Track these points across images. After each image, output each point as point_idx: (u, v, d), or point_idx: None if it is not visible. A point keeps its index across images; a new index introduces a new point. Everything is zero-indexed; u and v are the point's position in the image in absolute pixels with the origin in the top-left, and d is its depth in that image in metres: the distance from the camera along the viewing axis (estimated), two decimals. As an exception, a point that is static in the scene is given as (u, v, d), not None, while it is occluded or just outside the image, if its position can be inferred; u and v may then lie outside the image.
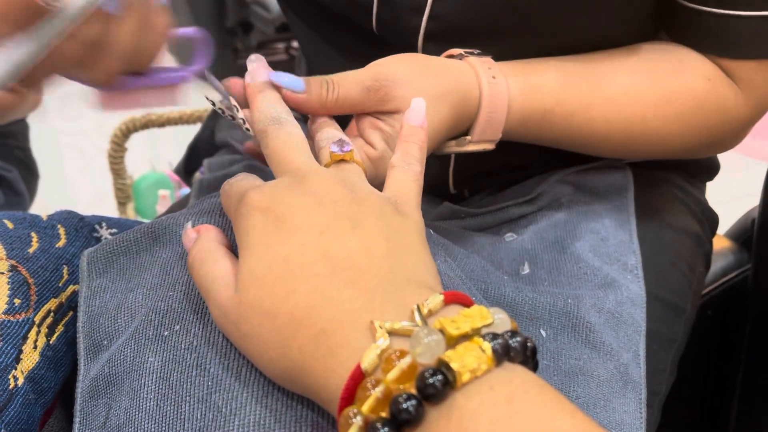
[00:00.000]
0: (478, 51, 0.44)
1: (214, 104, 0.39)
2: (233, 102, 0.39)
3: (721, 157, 0.60)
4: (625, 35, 0.50)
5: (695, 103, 0.47)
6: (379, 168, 0.39)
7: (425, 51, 0.47)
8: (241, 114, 0.38)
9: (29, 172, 1.22)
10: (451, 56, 0.45)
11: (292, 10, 0.56)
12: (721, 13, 0.45)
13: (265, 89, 0.37)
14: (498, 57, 0.45)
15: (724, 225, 0.79)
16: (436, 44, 0.47)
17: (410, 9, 0.46)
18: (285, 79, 0.37)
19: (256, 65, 0.38)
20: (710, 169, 0.62)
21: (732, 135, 0.51)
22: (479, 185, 0.57)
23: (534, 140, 0.47)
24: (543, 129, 0.46)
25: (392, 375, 0.24)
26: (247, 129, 0.38)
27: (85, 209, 0.46)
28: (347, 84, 0.37)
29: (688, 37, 0.49)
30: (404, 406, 0.23)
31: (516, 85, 0.44)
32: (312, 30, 0.56)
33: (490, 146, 0.44)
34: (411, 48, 0.47)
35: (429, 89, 0.40)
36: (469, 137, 0.43)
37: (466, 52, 0.44)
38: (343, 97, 0.37)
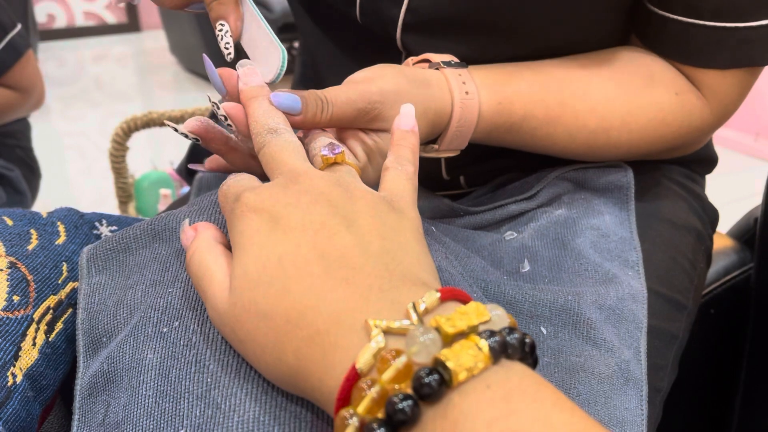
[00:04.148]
0: (455, 61, 0.46)
1: (210, 100, 0.39)
2: (214, 99, 0.39)
3: (724, 158, 0.60)
4: (597, 37, 0.51)
5: (661, 117, 0.49)
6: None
7: (403, 42, 0.49)
8: (221, 111, 0.38)
9: (31, 171, 1.22)
10: (427, 60, 0.46)
11: (300, 3, 0.58)
12: (686, 21, 0.47)
13: (260, 95, 0.37)
14: (474, 52, 0.47)
15: (727, 224, 0.78)
16: (413, 36, 0.48)
17: (389, 0, 0.47)
18: (283, 102, 0.37)
19: (248, 69, 0.39)
20: (708, 161, 0.63)
21: (695, 141, 0.53)
22: (473, 170, 0.57)
23: (498, 145, 0.49)
24: (507, 139, 0.48)
25: (388, 375, 0.24)
26: (229, 125, 0.38)
27: (87, 208, 0.46)
28: (341, 104, 0.38)
29: (655, 43, 0.50)
30: (400, 406, 0.23)
31: (487, 99, 0.45)
32: (313, 23, 0.58)
33: (455, 153, 0.46)
34: (390, 38, 0.49)
35: (415, 106, 0.41)
36: (436, 146, 0.45)
37: (443, 62, 0.45)
38: (337, 117, 0.38)
